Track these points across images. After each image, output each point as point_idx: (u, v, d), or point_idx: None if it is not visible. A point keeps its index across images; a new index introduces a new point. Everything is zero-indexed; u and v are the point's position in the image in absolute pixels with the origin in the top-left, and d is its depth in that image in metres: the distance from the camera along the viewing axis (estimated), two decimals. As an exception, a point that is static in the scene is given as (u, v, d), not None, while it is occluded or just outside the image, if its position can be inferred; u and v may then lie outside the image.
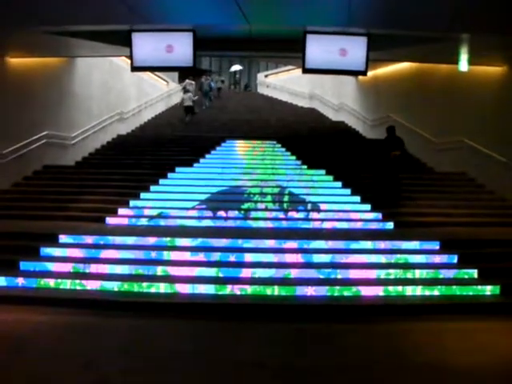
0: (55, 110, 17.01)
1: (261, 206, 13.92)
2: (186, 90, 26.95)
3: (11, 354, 6.77)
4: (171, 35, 11.43)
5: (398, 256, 10.59)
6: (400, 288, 9.44)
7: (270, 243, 11.07)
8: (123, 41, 11.77)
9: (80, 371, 6.31)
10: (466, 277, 10.00)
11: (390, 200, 14.30)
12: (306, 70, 11.92)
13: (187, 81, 28.12)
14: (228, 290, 9.32)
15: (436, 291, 9.45)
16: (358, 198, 14.29)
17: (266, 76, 40.58)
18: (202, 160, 17.59)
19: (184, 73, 29.31)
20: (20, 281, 9.51)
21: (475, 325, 8.27)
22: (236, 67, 42.62)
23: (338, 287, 9.38)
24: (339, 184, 15.38)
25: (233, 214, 13.26)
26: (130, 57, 11.79)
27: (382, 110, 22.36)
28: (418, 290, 9.43)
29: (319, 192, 14.88)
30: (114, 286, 9.37)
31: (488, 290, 9.51)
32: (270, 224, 12.80)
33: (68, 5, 9.47)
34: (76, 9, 9.70)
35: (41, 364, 6.49)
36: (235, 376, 6.37)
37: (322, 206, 13.78)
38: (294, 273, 9.91)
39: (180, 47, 11.41)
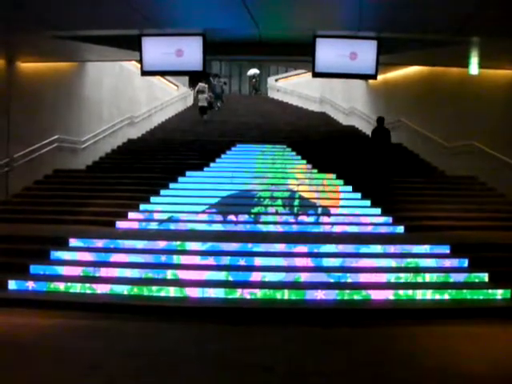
0: (66, 114, 17.08)
1: (271, 210, 13.93)
2: (200, 93, 27.68)
3: (20, 357, 6.77)
4: (181, 39, 11.44)
5: (409, 260, 10.55)
6: (410, 292, 9.40)
7: (280, 247, 11.05)
8: (133, 45, 11.81)
9: (87, 374, 6.31)
10: (477, 281, 9.96)
11: (378, 186, 15.17)
12: (315, 74, 11.91)
13: (200, 84, 28.42)
14: (238, 293, 9.30)
15: (446, 295, 9.40)
16: (368, 202, 14.28)
17: (276, 80, 40.54)
18: (212, 164, 17.61)
19: (194, 77, 29.55)
20: (30, 284, 9.52)
21: (486, 329, 8.21)
22: (253, 71, 41.47)
23: (348, 291, 9.35)
24: (350, 188, 15.34)
25: (243, 217, 13.26)
26: (140, 61, 11.82)
27: (392, 114, 22.28)
28: (429, 294, 9.39)
29: (329, 196, 14.85)
30: (123, 289, 9.38)
31: (499, 294, 9.45)
32: (280, 228, 12.80)
33: (78, 10, 9.53)
34: (86, 14, 9.76)
35: (49, 367, 6.49)
36: (243, 380, 6.35)
37: (332, 210, 13.77)
38: (304, 277, 9.89)
39: (190, 51, 11.41)
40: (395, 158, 17.09)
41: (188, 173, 16.36)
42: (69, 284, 9.50)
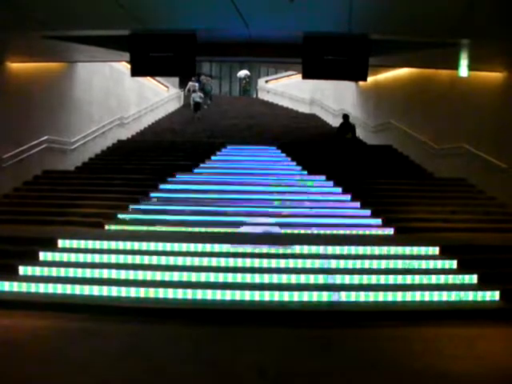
0: (55, 114, 17.02)
1: (260, 211, 13.90)
2: (193, 91, 29.01)
3: (9, 359, 6.75)
4: (171, 40, 11.42)
5: (398, 261, 10.56)
6: (399, 294, 9.40)
7: (269, 249, 11.04)
8: (123, 46, 11.78)
9: (78, 376, 6.28)
10: (466, 282, 9.98)
11: (346, 169, 17.06)
12: (305, 75, 11.92)
13: (190, 83, 29.60)
14: (227, 295, 9.28)
15: (435, 297, 9.42)
16: (358, 204, 14.29)
17: (266, 82, 40.50)
18: (201, 165, 17.60)
19: (184, 77, 29.99)
20: (19, 285, 9.47)
21: (475, 331, 8.23)
22: (244, 72, 41.28)
23: (337, 293, 9.34)
24: (339, 190, 15.37)
25: (232, 219, 13.25)
26: (130, 62, 11.79)
27: (382, 116, 22.36)
28: (418, 296, 9.39)
29: (319, 198, 14.88)
30: (112, 290, 9.33)
31: (488, 295, 9.47)
32: (268, 229, 12.76)
33: (68, 9, 9.50)
34: (76, 13, 9.73)
35: (38, 369, 6.46)
36: (234, 382, 6.34)
37: (322, 212, 13.77)
38: (292, 278, 9.88)
39: (180, 52, 11.40)
40: (361, 146, 20.23)
41: (177, 174, 16.34)
42: (57, 285, 9.44)
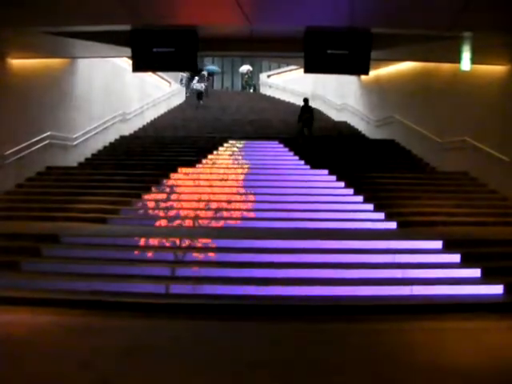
0: (57, 111, 16.98)
1: (263, 206, 13.89)
2: (197, 81, 32.30)
3: (11, 355, 6.74)
4: (172, 35, 11.40)
5: (401, 255, 10.55)
6: (402, 288, 9.40)
7: (272, 243, 11.03)
8: (125, 41, 11.76)
9: (78, 372, 6.28)
10: (469, 276, 9.97)
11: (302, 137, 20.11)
12: (307, 70, 11.90)
13: (183, 74, 33.88)
14: (229, 289, 9.28)
15: (439, 291, 9.41)
16: (360, 198, 14.27)
17: (268, 76, 40.48)
18: (204, 160, 17.59)
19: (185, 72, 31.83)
20: (22, 281, 9.48)
21: (478, 324, 8.23)
22: (246, 67, 41.19)
23: (340, 287, 9.34)
24: (342, 184, 15.35)
25: (235, 214, 13.24)
26: (132, 57, 11.77)
27: (385, 110, 22.31)
28: (421, 290, 9.39)
29: (322, 192, 14.86)
30: (115, 286, 9.34)
31: (491, 289, 9.46)
32: (272, 224, 12.76)
33: (68, 5, 9.49)
34: (76, 9, 9.71)
35: (40, 365, 6.45)
36: (235, 376, 6.33)
37: (325, 206, 13.75)
38: (295, 273, 9.88)
39: (181, 47, 11.38)
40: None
41: (180, 169, 16.34)
42: (60, 281, 9.45)
